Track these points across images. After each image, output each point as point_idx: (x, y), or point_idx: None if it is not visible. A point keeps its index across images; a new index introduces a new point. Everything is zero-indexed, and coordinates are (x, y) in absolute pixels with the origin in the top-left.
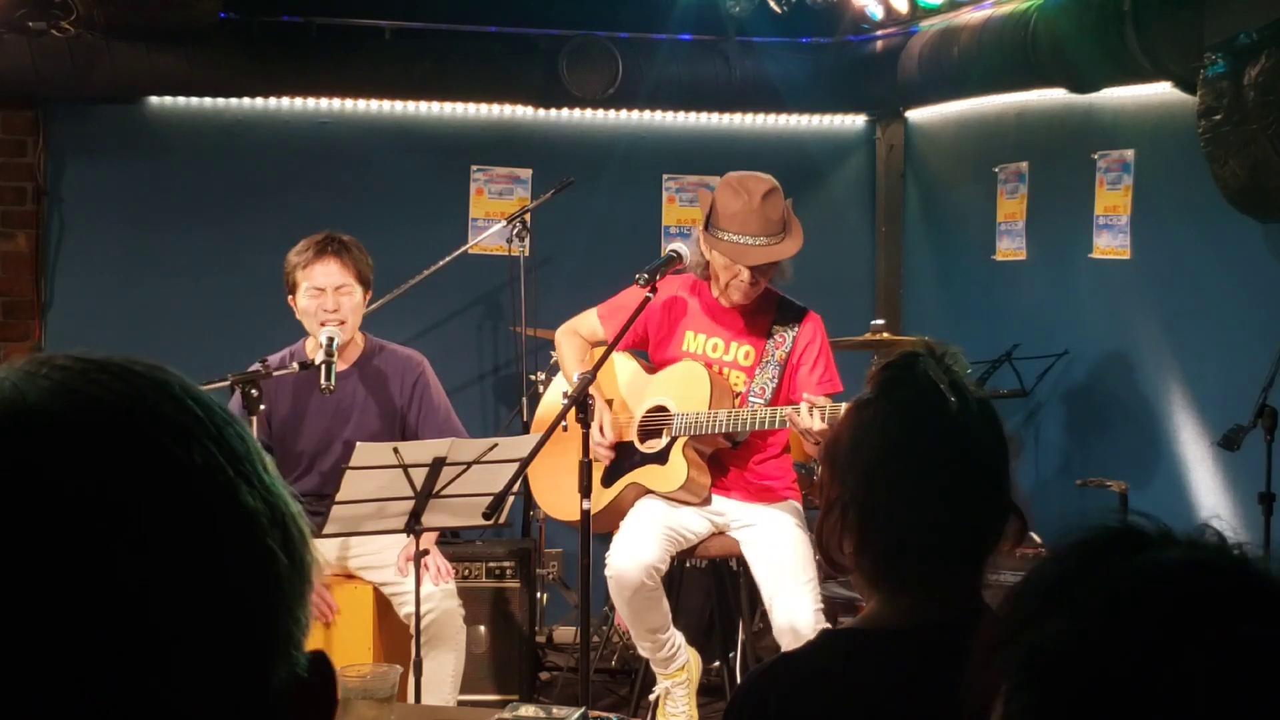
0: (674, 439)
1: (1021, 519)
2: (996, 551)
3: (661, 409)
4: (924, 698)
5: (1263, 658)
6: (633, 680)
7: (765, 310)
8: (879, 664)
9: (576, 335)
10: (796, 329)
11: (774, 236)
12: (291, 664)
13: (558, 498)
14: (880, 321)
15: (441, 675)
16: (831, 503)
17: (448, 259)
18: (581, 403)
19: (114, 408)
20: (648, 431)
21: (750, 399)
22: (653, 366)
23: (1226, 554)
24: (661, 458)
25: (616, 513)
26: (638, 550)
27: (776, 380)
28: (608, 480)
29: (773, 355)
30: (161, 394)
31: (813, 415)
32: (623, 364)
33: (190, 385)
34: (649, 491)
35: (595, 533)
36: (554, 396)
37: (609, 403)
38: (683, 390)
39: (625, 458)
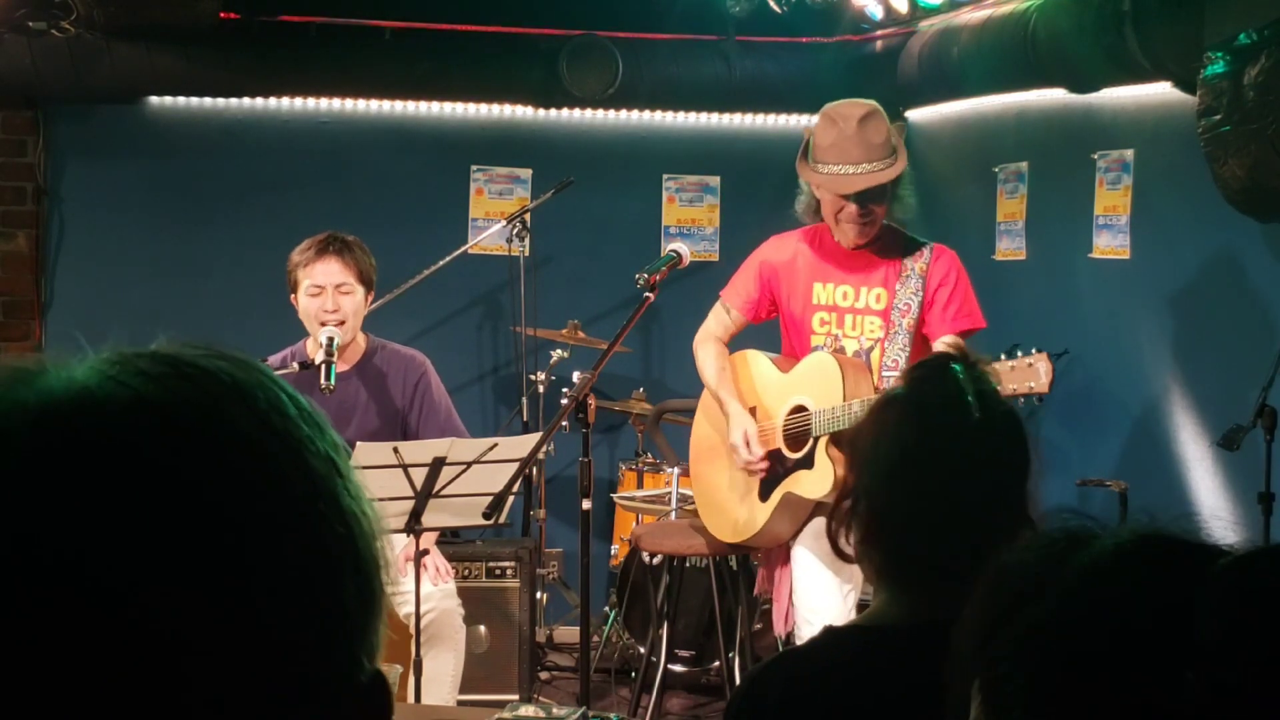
0: (816, 439)
1: (1035, 532)
2: None
3: (801, 409)
4: (924, 695)
5: (1233, 590)
6: (633, 680)
7: (892, 249)
8: (880, 661)
9: (710, 339)
10: (927, 265)
11: (878, 162)
12: (345, 701)
13: (718, 518)
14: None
15: (441, 675)
16: (847, 492)
17: (448, 259)
18: (582, 403)
19: (187, 424)
20: (793, 436)
21: (888, 345)
22: (787, 363)
23: (1162, 528)
24: (808, 461)
25: (771, 533)
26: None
27: (916, 318)
28: (764, 493)
29: (902, 300)
30: (242, 408)
31: None
32: (759, 366)
33: (279, 393)
34: (802, 501)
35: (758, 547)
36: (701, 423)
37: (752, 411)
38: (817, 385)
39: (778, 467)
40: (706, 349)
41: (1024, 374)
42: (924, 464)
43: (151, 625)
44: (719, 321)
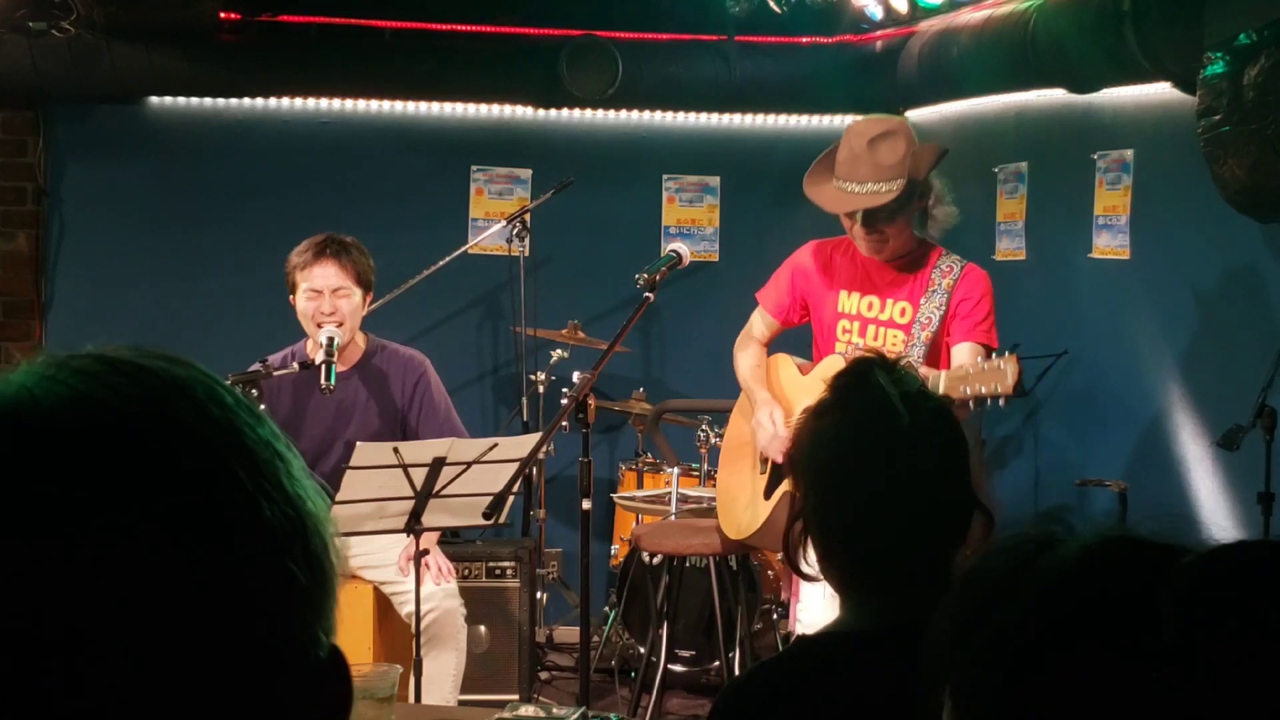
0: None
1: (988, 516)
2: (962, 550)
3: None
4: (899, 697)
5: (1193, 586)
6: (633, 680)
7: (922, 264)
8: (853, 667)
9: (749, 341)
10: (954, 282)
11: (887, 182)
12: (304, 675)
13: (728, 516)
14: None
15: (442, 675)
16: (795, 514)
17: (448, 259)
18: (582, 403)
19: (126, 416)
20: None
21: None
22: (808, 367)
23: (1128, 529)
24: None
25: (774, 530)
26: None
27: (935, 331)
28: (769, 491)
29: (924, 314)
30: (180, 399)
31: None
32: (785, 370)
33: (215, 386)
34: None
35: (761, 548)
36: (732, 425)
37: None
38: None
39: (782, 467)
40: (745, 350)
41: (992, 375)
42: (858, 472)
43: (110, 603)
44: (757, 325)
